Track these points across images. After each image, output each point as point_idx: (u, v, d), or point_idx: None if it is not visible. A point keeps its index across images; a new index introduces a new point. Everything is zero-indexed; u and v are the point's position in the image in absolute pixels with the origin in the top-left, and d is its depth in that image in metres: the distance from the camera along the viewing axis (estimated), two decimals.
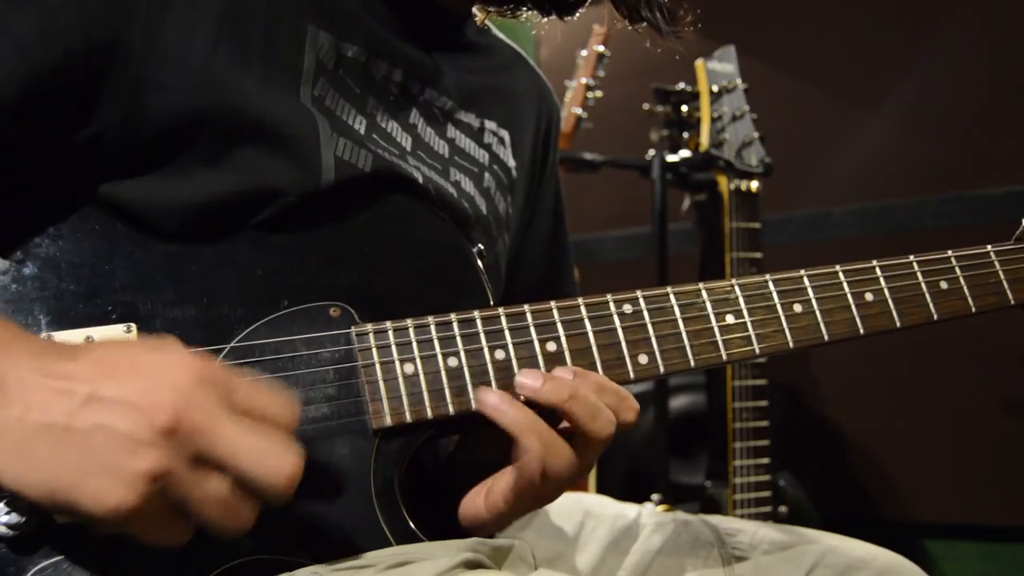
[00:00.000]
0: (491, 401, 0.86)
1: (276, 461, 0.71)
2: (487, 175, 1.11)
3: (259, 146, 0.87)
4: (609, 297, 0.93)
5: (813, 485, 2.66)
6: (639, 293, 0.94)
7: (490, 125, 1.14)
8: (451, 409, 0.87)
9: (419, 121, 1.04)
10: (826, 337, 0.97)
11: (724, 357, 0.95)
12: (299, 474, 0.72)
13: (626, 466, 2.99)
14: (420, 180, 0.96)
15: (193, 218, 0.86)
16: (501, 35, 1.25)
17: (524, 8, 1.13)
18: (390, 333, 0.88)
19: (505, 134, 1.17)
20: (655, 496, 2.48)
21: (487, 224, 1.09)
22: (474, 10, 1.16)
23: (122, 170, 0.85)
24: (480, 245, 1.01)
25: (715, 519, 1.15)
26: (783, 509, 2.39)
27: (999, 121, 2.95)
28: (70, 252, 0.84)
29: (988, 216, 2.93)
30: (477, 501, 0.92)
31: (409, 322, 0.88)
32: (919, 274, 1.01)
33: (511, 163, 1.16)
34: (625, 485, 2.93)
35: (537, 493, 0.89)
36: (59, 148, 0.84)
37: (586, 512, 1.18)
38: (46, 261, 0.84)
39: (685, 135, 2.51)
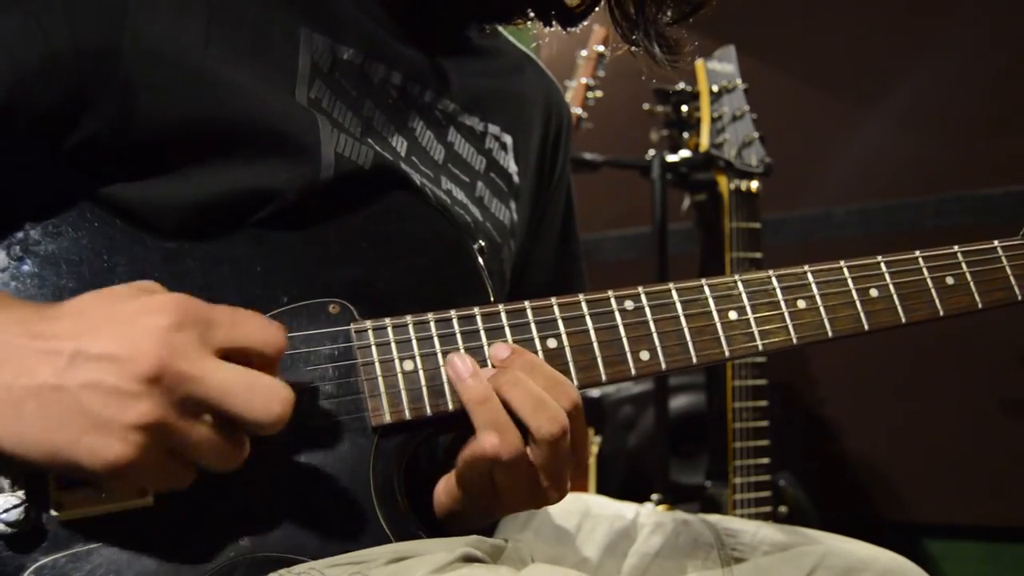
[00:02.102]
0: (458, 369, 0.86)
1: (265, 398, 0.73)
2: (480, 183, 1.10)
3: (256, 145, 0.87)
4: (611, 293, 0.93)
5: (813, 485, 2.66)
6: (641, 289, 0.93)
7: (493, 129, 1.14)
8: (451, 406, 0.87)
9: (418, 124, 1.04)
10: (830, 333, 0.96)
11: (727, 353, 0.94)
12: (289, 408, 0.74)
13: (626, 466, 2.99)
14: (417, 182, 0.96)
15: (191, 216, 0.86)
16: (510, 37, 1.25)
17: (527, 19, 1.12)
18: (389, 330, 0.87)
19: (508, 139, 1.16)
20: (655, 496, 2.48)
21: (487, 231, 1.08)
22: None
23: (120, 171, 0.85)
24: (481, 242, 1.01)
25: (715, 518, 1.14)
26: (783, 509, 2.39)
27: (999, 121, 2.95)
28: (69, 249, 0.84)
29: (988, 216, 2.92)
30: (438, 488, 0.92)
31: (409, 319, 0.88)
32: (924, 270, 1.00)
33: (512, 168, 1.15)
34: (625, 485, 2.93)
35: (490, 490, 0.88)
36: (52, 151, 0.84)
37: (585, 512, 1.18)
38: (45, 259, 0.84)
39: (685, 135, 2.50)
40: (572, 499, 1.20)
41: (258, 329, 0.76)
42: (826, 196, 3.24)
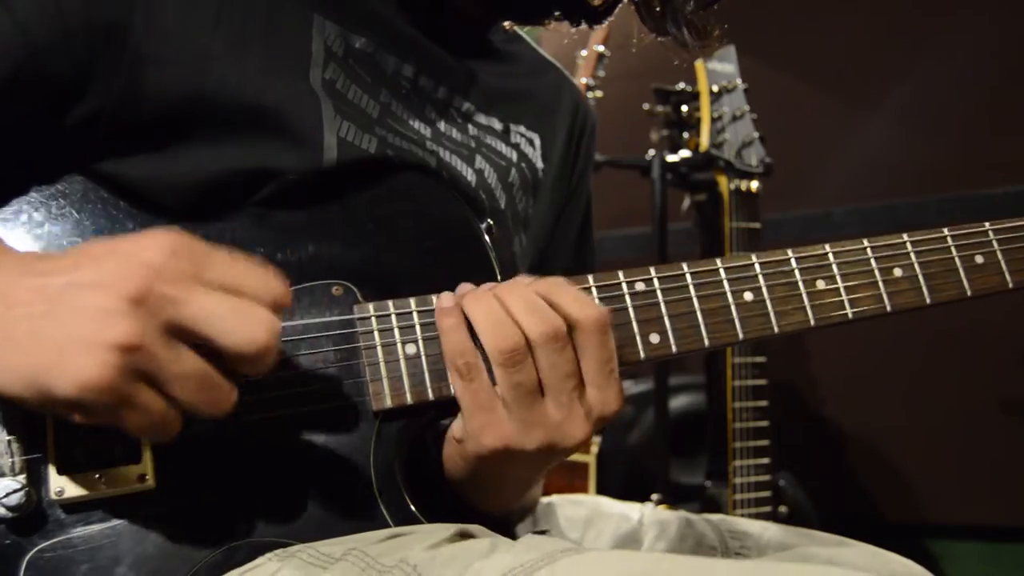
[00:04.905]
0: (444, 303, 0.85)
1: (249, 325, 0.71)
2: (514, 171, 1.10)
3: (258, 125, 0.88)
4: (620, 274, 0.90)
5: (813, 485, 2.66)
6: (652, 270, 0.91)
7: (518, 128, 1.14)
8: (453, 390, 0.86)
9: (435, 117, 1.04)
10: (850, 315, 0.93)
11: (740, 335, 0.91)
12: (275, 339, 0.72)
13: (626, 466, 2.99)
14: (433, 164, 0.96)
15: (194, 196, 0.86)
16: (532, 42, 1.25)
17: (553, 19, 1.12)
18: (392, 313, 0.86)
19: (535, 137, 1.16)
20: (655, 496, 2.48)
21: (503, 219, 1.07)
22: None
23: (123, 148, 0.86)
24: (490, 220, 0.99)
25: (719, 518, 1.14)
26: (783, 509, 2.39)
27: (999, 121, 2.95)
28: (72, 231, 0.84)
29: (988, 216, 2.89)
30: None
31: (411, 301, 0.87)
32: (953, 248, 0.97)
33: (539, 164, 1.16)
34: (625, 485, 2.92)
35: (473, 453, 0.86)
36: (57, 124, 0.85)
37: (590, 515, 1.17)
38: (49, 240, 0.84)
39: (685, 135, 2.51)
40: (577, 501, 1.21)
41: (255, 273, 0.75)
42: (826, 196, 3.24)
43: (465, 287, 0.86)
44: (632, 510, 1.18)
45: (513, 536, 0.99)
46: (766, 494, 2.31)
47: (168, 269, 0.70)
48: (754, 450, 2.31)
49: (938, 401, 3.04)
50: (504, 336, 0.81)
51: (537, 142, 1.16)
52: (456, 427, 0.87)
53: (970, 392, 2.99)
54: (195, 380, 0.71)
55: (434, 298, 0.87)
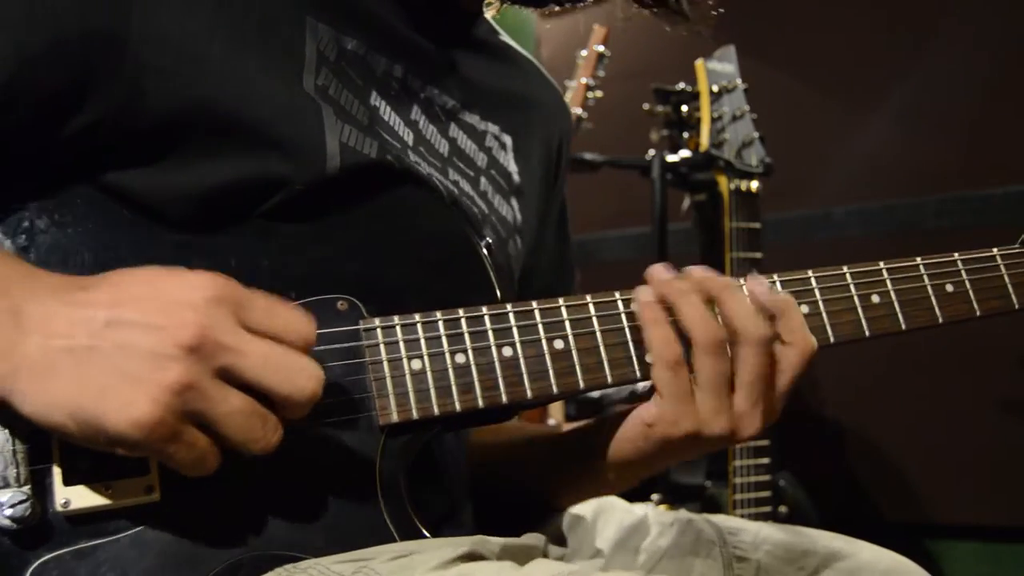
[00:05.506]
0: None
1: (300, 374, 0.75)
2: (483, 179, 1.10)
3: (261, 134, 0.87)
4: (617, 295, 0.93)
5: (813, 485, 2.66)
6: None
7: (492, 128, 1.14)
8: (458, 406, 0.87)
9: (420, 118, 1.04)
10: (832, 339, 0.97)
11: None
12: (320, 388, 0.76)
13: None
14: (424, 172, 0.96)
15: (198, 207, 0.86)
16: (513, 43, 1.25)
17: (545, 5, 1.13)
18: (398, 329, 0.87)
19: (508, 139, 1.16)
20: (655, 496, 2.48)
21: (493, 224, 1.08)
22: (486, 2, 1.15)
23: (126, 159, 0.85)
24: (489, 239, 1.01)
25: (718, 518, 1.15)
26: (783, 509, 2.40)
27: (999, 121, 2.95)
28: (74, 240, 0.84)
29: (988, 216, 2.92)
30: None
31: (417, 318, 0.87)
32: (925, 276, 1.01)
33: (511, 168, 1.15)
34: None
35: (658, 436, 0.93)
36: (56, 135, 0.84)
37: (598, 509, 1.18)
38: (50, 249, 0.83)
39: (685, 135, 2.51)
40: None
41: (291, 319, 0.77)
42: (826, 196, 3.24)
43: (658, 272, 0.93)
44: (637, 507, 1.20)
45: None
46: (766, 494, 2.32)
47: (216, 315, 0.72)
48: (754, 450, 2.31)
49: (938, 401, 3.04)
50: (715, 329, 0.89)
51: (509, 144, 1.16)
52: (647, 412, 0.93)
53: (970, 392, 2.99)
54: (244, 418, 0.73)
55: (439, 314, 0.88)
